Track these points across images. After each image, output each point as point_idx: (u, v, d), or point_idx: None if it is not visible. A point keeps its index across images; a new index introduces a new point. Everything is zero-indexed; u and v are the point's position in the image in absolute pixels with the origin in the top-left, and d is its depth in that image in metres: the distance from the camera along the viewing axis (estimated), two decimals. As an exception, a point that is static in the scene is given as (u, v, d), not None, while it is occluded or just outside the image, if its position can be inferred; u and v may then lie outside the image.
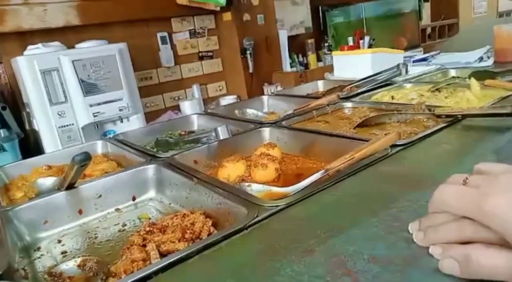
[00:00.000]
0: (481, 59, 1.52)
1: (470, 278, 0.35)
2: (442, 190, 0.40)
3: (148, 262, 0.53)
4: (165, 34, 2.33)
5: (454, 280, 0.36)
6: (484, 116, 0.79)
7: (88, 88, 1.69)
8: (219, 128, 0.85)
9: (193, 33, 2.44)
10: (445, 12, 4.02)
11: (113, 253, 0.59)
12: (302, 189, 0.62)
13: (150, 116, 2.17)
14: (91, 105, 1.70)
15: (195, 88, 2.42)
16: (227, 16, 2.46)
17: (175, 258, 0.45)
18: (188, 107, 2.26)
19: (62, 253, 0.61)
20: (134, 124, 1.94)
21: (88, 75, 1.67)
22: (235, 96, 2.49)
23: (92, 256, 0.57)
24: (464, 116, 0.82)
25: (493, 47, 1.49)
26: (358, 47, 2.04)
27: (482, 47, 1.63)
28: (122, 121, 1.91)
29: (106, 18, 2.07)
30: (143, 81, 2.28)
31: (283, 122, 1.02)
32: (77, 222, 0.71)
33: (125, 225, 0.68)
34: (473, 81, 1.03)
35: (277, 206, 0.55)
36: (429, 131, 0.79)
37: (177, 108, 2.36)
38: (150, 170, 0.80)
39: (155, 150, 1.03)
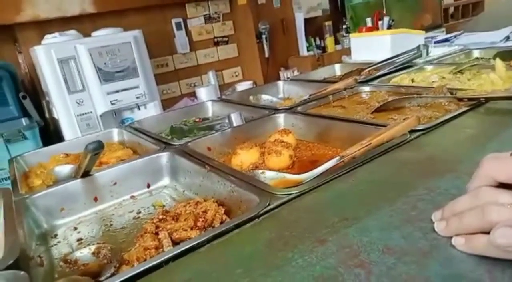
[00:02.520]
0: (507, 38, 1.45)
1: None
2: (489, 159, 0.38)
3: (161, 249, 0.53)
4: (180, 20, 2.31)
5: (472, 271, 0.34)
6: (510, 99, 0.75)
7: (105, 76, 1.70)
8: (232, 115, 0.83)
9: (208, 19, 2.42)
10: (470, -11, 3.84)
11: (128, 240, 0.60)
12: (317, 176, 0.60)
13: (167, 103, 2.18)
14: (108, 93, 1.72)
15: (211, 75, 2.41)
16: (242, 0, 2.42)
17: (185, 247, 0.45)
18: (204, 93, 2.26)
19: (78, 240, 0.62)
20: (151, 111, 1.95)
21: (105, 63, 1.68)
22: (251, 82, 2.47)
23: (107, 244, 0.57)
24: (488, 99, 0.78)
25: (522, 25, 1.41)
26: (377, 29, 1.97)
27: (508, 25, 1.55)
28: (139, 109, 1.93)
29: (121, 5, 2.07)
30: (159, 68, 2.28)
31: (298, 108, 1.00)
32: (92, 209, 0.72)
33: (140, 212, 0.69)
34: (498, 62, 0.98)
35: (289, 194, 0.54)
36: (450, 115, 0.76)
37: (193, 95, 2.36)
38: (164, 157, 0.80)
39: (169, 137, 1.03)
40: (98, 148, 0.63)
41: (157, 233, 0.56)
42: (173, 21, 2.29)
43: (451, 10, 3.62)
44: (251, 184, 0.58)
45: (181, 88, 2.41)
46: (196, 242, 0.46)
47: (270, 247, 0.43)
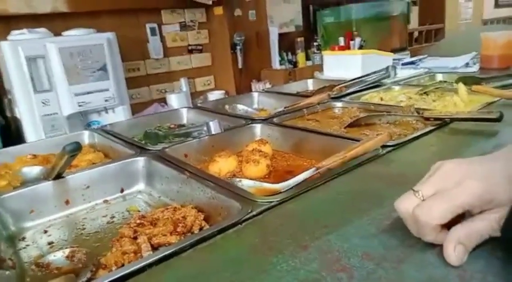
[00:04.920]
0: (467, 64, 1.56)
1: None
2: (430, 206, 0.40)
3: (139, 254, 0.52)
4: (155, 25, 2.30)
5: (444, 276, 0.37)
6: (472, 120, 0.81)
7: (74, 77, 1.65)
8: (211, 123, 0.84)
9: (183, 26, 2.42)
10: (432, 17, 4.10)
11: (102, 245, 0.58)
12: (293, 186, 0.62)
13: (136, 108, 2.14)
14: (76, 95, 1.67)
15: (183, 82, 2.40)
16: (219, 10, 2.44)
17: (169, 251, 0.45)
18: (175, 100, 2.25)
19: (48, 243, 0.60)
20: (119, 115, 1.91)
21: (75, 64, 1.64)
22: (223, 91, 2.48)
23: (81, 248, 0.56)
24: (452, 120, 0.84)
25: (479, 53, 1.52)
26: (349, 48, 2.06)
27: (467, 52, 1.67)
28: (107, 112, 1.88)
29: (94, 7, 2.03)
30: (130, 72, 2.25)
31: (274, 119, 1.02)
32: (64, 213, 0.69)
33: (114, 217, 0.67)
34: (461, 86, 1.05)
35: (270, 202, 0.56)
36: (418, 133, 0.80)
37: (163, 101, 2.34)
38: (140, 162, 0.79)
39: (143, 142, 1.02)
40: (75, 149, 0.61)
41: (135, 238, 0.55)
42: (148, 26, 2.27)
43: (416, 34, 3.83)
44: (233, 191, 0.59)
45: (152, 94, 2.38)
46: (179, 247, 0.46)
47: (254, 252, 0.44)
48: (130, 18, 2.21)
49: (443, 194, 0.40)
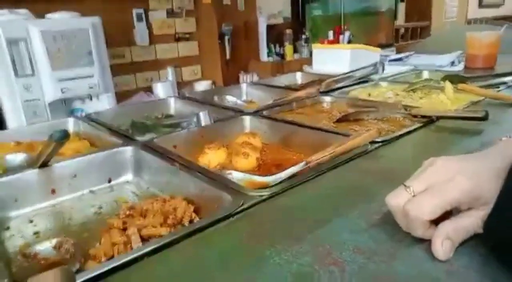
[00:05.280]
0: (452, 63, 1.59)
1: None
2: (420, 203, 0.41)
3: (129, 246, 0.52)
4: (141, 11, 2.25)
5: (433, 270, 0.38)
6: (458, 119, 0.83)
7: (58, 62, 1.61)
8: (201, 114, 0.83)
9: (170, 13, 2.38)
10: (419, 14, 4.14)
11: (90, 235, 0.58)
12: (283, 180, 0.63)
13: (120, 96, 2.10)
14: (59, 80, 1.62)
15: (170, 71, 2.37)
16: (207, -2, 2.41)
17: (161, 243, 0.45)
18: (161, 89, 2.22)
19: (34, 233, 0.59)
20: (103, 103, 1.87)
21: (58, 49, 1.59)
22: (210, 81, 2.46)
23: (68, 238, 0.55)
24: (439, 117, 0.86)
25: (465, 53, 1.55)
26: (338, 42, 2.07)
27: (452, 50, 1.70)
28: (91, 100, 1.85)
29: (79, -11, 1.97)
30: (115, 59, 2.20)
31: (264, 112, 1.02)
32: (49, 202, 0.68)
33: (102, 207, 0.66)
34: (447, 85, 1.08)
35: (262, 195, 0.56)
36: (405, 130, 0.82)
37: (149, 89, 2.30)
38: (128, 151, 0.78)
39: (130, 132, 1.00)
40: (64, 137, 0.60)
41: (124, 229, 0.55)
42: (134, 11, 2.22)
43: (402, 31, 3.88)
44: (224, 184, 0.59)
45: (137, 82, 2.34)
46: (171, 238, 0.46)
47: (247, 245, 0.45)
48: (116, 2, 2.16)
49: (433, 190, 0.41)
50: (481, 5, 5.30)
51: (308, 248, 0.43)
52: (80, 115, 1.11)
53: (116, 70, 2.12)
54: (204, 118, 0.83)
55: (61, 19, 1.66)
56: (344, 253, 0.42)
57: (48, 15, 1.70)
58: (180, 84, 2.46)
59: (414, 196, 0.41)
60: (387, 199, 0.44)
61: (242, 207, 0.52)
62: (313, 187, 0.60)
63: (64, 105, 1.72)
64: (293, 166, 0.65)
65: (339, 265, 0.40)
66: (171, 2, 2.38)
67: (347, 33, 2.19)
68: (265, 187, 0.60)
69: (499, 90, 1.11)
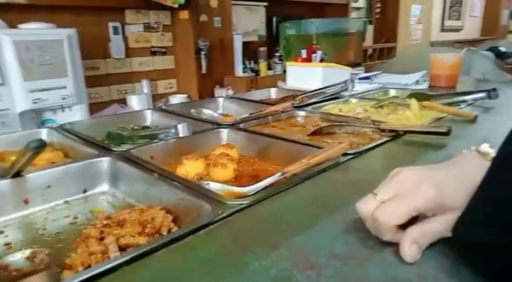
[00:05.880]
0: (417, 82, 1.68)
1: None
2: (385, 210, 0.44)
3: (106, 255, 0.51)
4: (118, 24, 2.25)
5: (404, 273, 0.40)
6: (424, 133, 0.88)
7: (30, 72, 1.58)
8: (179, 126, 0.84)
9: (147, 27, 2.38)
10: (386, 36, 4.35)
11: (65, 246, 0.57)
12: (260, 190, 0.64)
13: (94, 107, 2.06)
14: (31, 91, 1.59)
15: (145, 84, 2.36)
16: (184, 14, 2.43)
17: (141, 251, 0.45)
18: (136, 102, 2.20)
19: (5, 244, 0.57)
20: (76, 114, 1.84)
21: (31, 59, 1.56)
22: (186, 95, 2.46)
23: (43, 248, 0.54)
24: (406, 132, 0.91)
25: (429, 72, 1.65)
26: (310, 60, 2.14)
27: (416, 70, 1.80)
28: (63, 111, 1.81)
29: (55, 1, 1.94)
30: (89, 71, 2.17)
31: (240, 125, 1.04)
32: (22, 213, 0.66)
33: (77, 217, 0.66)
34: (413, 102, 1.14)
35: (240, 204, 0.57)
36: (375, 143, 0.86)
37: (123, 101, 2.28)
38: (104, 162, 0.77)
39: (106, 142, 0.99)
40: (40, 146, 0.59)
41: (101, 239, 0.55)
42: (110, 24, 2.21)
43: (370, 51, 4.05)
44: (203, 193, 0.60)
45: (111, 94, 2.31)
46: (150, 247, 0.46)
47: (226, 252, 0.46)
48: (92, 15, 2.15)
49: (400, 197, 0.44)
50: (443, 29, 5.64)
51: (286, 253, 0.45)
52: (51, 126, 1.09)
53: (91, 82, 2.09)
54: (183, 130, 0.84)
55: (35, 30, 1.63)
56: (320, 258, 0.44)
57: (22, 26, 1.67)
58: (155, 97, 2.45)
59: (382, 203, 0.44)
60: (357, 206, 0.47)
61: (221, 216, 0.53)
62: (289, 196, 0.62)
63: (35, 116, 1.67)
64: (269, 176, 0.67)
65: (315, 270, 0.42)
66: (148, 17, 2.39)
67: (319, 52, 2.27)
68: (242, 196, 0.62)
69: (460, 108, 1.19)
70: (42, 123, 1.72)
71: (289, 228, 0.50)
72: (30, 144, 0.59)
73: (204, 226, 0.51)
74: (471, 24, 6.37)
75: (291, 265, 0.42)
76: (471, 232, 0.39)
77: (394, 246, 0.44)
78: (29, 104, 1.58)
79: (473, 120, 1.04)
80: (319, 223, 0.52)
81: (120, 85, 2.34)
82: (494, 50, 4.35)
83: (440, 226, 0.43)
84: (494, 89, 1.20)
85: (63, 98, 1.73)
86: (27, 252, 0.53)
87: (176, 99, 2.35)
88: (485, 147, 0.50)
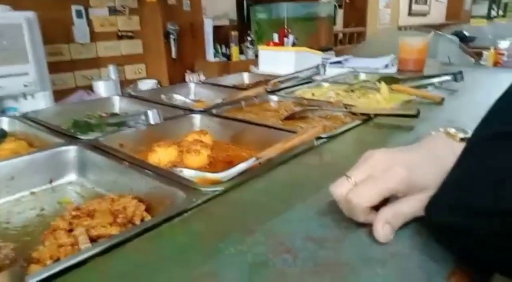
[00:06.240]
0: (386, 66, 1.71)
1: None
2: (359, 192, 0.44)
3: (77, 247, 0.50)
4: (81, 8, 2.14)
5: (379, 253, 0.41)
6: (394, 116, 0.90)
7: (-14, 58, 1.48)
8: (149, 112, 0.82)
9: (113, 11, 2.29)
10: (355, 20, 4.39)
11: (32, 239, 0.54)
12: (235, 176, 0.64)
13: (58, 95, 1.98)
14: (-11, 78, 1.49)
15: (112, 69, 2.27)
16: (151, -4, 2.35)
17: (114, 242, 0.44)
18: (102, 88, 2.13)
19: (-34, 240, 0.54)
20: (39, 102, 1.76)
21: (-13, 44, 1.46)
22: (155, 81, 2.40)
23: (7, 242, 0.51)
24: (377, 115, 0.93)
25: (397, 56, 1.68)
26: (283, 44, 2.13)
27: (385, 54, 1.83)
28: (26, 98, 1.72)
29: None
30: (52, 56, 2.07)
31: (213, 111, 1.02)
32: (-18, 207, 0.63)
33: (44, 209, 0.63)
34: (383, 85, 1.16)
35: (215, 190, 0.57)
36: (347, 127, 0.87)
37: (89, 88, 2.19)
38: (71, 151, 0.74)
39: (72, 131, 0.95)
40: (1, 135, 0.56)
41: (70, 230, 0.52)
42: (73, 7, 2.11)
43: (340, 36, 4.08)
44: (176, 181, 0.59)
45: (76, 80, 2.22)
46: (125, 236, 0.45)
47: (202, 239, 0.45)
48: (52, -3, 2.03)
49: (372, 179, 0.44)
50: (410, 13, 5.75)
51: (262, 238, 0.45)
52: (13, 115, 1.03)
53: (54, 68, 1.99)
54: (153, 116, 0.82)
55: (-11, 12, 1.53)
56: (296, 241, 0.44)
57: (-26, 7, 1.56)
58: (123, 83, 2.38)
59: (355, 185, 0.45)
60: (331, 188, 0.47)
61: (196, 203, 0.53)
62: (263, 181, 0.62)
63: (-6, 105, 1.59)
64: (244, 162, 0.67)
65: (291, 253, 0.42)
66: (114, 0, 2.29)
67: (291, 37, 2.26)
68: (217, 183, 0.61)
69: (428, 91, 1.22)
70: (3, 112, 1.63)
71: (264, 213, 0.50)
72: (-11, 134, 0.55)
73: (178, 214, 0.50)
74: (437, 8, 6.53)
75: (267, 249, 0.42)
76: (439, 212, 0.40)
77: (368, 227, 0.45)
78: (-13, 92, 1.49)
79: (440, 102, 1.07)
80: (294, 206, 0.52)
81: (85, 71, 2.24)
82: (459, 34, 4.49)
83: (412, 206, 0.44)
84: (460, 72, 1.24)
85: (25, 86, 1.64)
86: (-10, 247, 0.50)
87: (145, 85, 2.29)
88: (451, 129, 0.52)
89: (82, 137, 0.80)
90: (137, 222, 0.56)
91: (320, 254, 0.41)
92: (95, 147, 0.75)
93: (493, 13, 7.49)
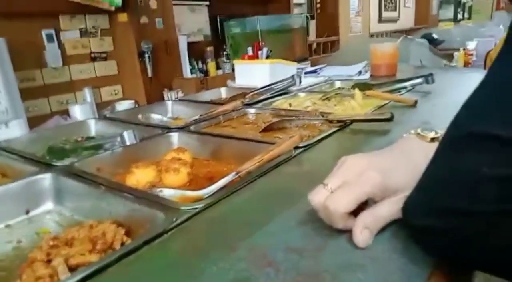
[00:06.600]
0: (360, 72, 1.75)
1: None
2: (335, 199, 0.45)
3: (56, 278, 0.48)
4: (52, 31, 2.11)
5: (359, 259, 0.42)
6: (369, 121, 0.92)
7: (-47, 88, 1.44)
8: (125, 133, 0.81)
9: (85, 33, 2.26)
10: (328, 30, 4.48)
11: (9, 274, 0.53)
12: (216, 191, 0.64)
13: (33, 121, 1.92)
14: (-43, 109, 1.45)
15: (87, 92, 2.23)
16: (123, 17, 2.34)
17: (92, 269, 0.43)
18: (79, 111, 2.08)
19: None
20: (14, 130, 1.70)
21: (-46, 74, 1.42)
22: (132, 101, 2.37)
23: (-18, 279, 0.49)
24: (352, 121, 0.94)
25: (370, 62, 1.72)
26: (257, 57, 2.16)
27: (359, 61, 1.88)
28: (-1, 128, 1.67)
29: (-25, 8, 1.79)
30: (24, 83, 2.02)
31: (191, 127, 1.02)
32: (-46, 243, 0.60)
33: (20, 241, 0.61)
34: (357, 92, 1.18)
35: (195, 208, 0.56)
36: (324, 134, 0.88)
37: (65, 113, 2.15)
38: (46, 179, 0.72)
39: (48, 158, 0.93)
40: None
41: (49, 261, 0.51)
42: (44, 32, 2.08)
43: (314, 46, 4.15)
44: (155, 201, 0.58)
45: (51, 106, 2.17)
46: (104, 263, 0.44)
47: (182, 259, 0.45)
48: (21, 22, 2.00)
49: (348, 185, 0.45)
50: (380, 20, 5.92)
51: (243, 254, 0.44)
52: (-15, 145, 1.00)
53: (27, 94, 1.94)
54: (129, 137, 0.81)
55: (-46, 41, 1.49)
56: (277, 254, 0.44)
57: None
58: (100, 105, 2.34)
59: (332, 192, 0.45)
60: (309, 197, 0.47)
61: (175, 223, 0.52)
62: (244, 194, 0.62)
63: (-35, 136, 1.53)
64: (224, 177, 0.67)
65: (273, 266, 0.42)
66: (85, 22, 2.27)
67: (265, 49, 2.29)
68: (198, 200, 0.61)
69: (401, 94, 1.25)
70: (-26, 143, 1.58)
71: (245, 227, 0.50)
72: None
73: (158, 236, 0.49)
74: (406, 14, 6.74)
75: (248, 265, 0.42)
76: (416, 213, 0.41)
77: (347, 233, 0.45)
78: (-43, 123, 1.44)
79: (413, 105, 1.10)
80: (275, 218, 0.52)
81: (60, 96, 2.20)
82: (427, 37, 4.64)
83: (389, 209, 0.45)
84: (431, 74, 1.28)
85: (-3, 114, 1.59)
86: (-36, 285, 0.48)
87: (123, 105, 2.25)
88: (421, 130, 0.53)
89: (57, 164, 0.78)
90: (117, 246, 0.55)
91: (301, 264, 0.42)
92: (71, 172, 0.73)
93: (459, 16, 7.80)
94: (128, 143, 0.82)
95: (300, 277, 0.39)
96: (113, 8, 2.22)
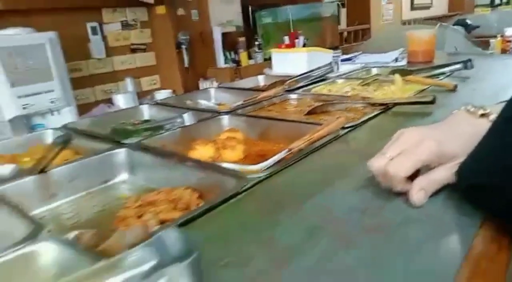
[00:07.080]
0: (396, 59, 1.77)
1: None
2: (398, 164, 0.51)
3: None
4: (96, 24, 2.24)
5: (416, 215, 0.47)
6: (411, 104, 0.96)
7: (16, 78, 1.57)
8: (185, 115, 0.89)
9: (125, 25, 2.38)
10: (359, 18, 4.45)
11: (102, 229, 0.61)
12: (271, 166, 0.70)
13: (80, 109, 2.06)
14: (19, 97, 1.59)
15: (129, 82, 2.37)
16: (161, 9, 2.44)
17: (181, 221, 0.50)
18: (122, 100, 2.21)
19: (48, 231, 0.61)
20: (65, 117, 1.84)
21: (15, 65, 1.56)
22: (170, 90, 2.48)
23: (88, 229, 0.58)
24: (395, 104, 0.99)
25: (406, 49, 1.74)
26: (293, 46, 2.20)
27: (392, 49, 1.89)
28: (52, 114, 1.81)
29: (29, 4, 1.92)
30: (72, 73, 2.16)
31: (238, 111, 1.09)
32: (49, 206, 0.70)
33: (105, 205, 0.70)
34: (397, 77, 1.22)
35: (259, 177, 0.63)
36: (368, 116, 0.93)
37: (109, 101, 2.28)
38: (122, 153, 0.81)
39: (114, 137, 1.03)
40: (67, 141, 0.63)
41: (139, 217, 0.59)
42: (88, 25, 2.20)
43: (345, 34, 4.14)
44: (222, 171, 0.66)
45: (96, 95, 2.31)
46: (190, 216, 0.51)
47: (259, 213, 0.52)
48: (68, 16, 2.13)
49: (407, 153, 0.50)
50: (413, 7, 5.80)
51: (312, 210, 0.51)
52: (56, 127, 1.11)
53: (75, 84, 2.08)
54: (189, 118, 0.89)
55: (15, 35, 1.62)
56: (341, 211, 0.50)
57: (0, 32, 1.66)
58: (140, 95, 2.46)
59: (391, 159, 0.51)
60: (369, 163, 0.53)
61: (246, 186, 0.59)
62: (299, 168, 0.68)
63: (25, 122, 1.67)
64: (276, 154, 0.73)
65: (340, 220, 0.48)
66: (125, 15, 2.38)
67: (301, 38, 2.34)
68: (256, 173, 0.68)
69: (440, 80, 1.27)
70: (32, 129, 1.72)
71: (307, 192, 0.56)
72: (57, 140, 0.63)
73: (232, 197, 0.57)
74: (439, 1, 6.56)
75: (318, 219, 0.49)
76: (476, 174, 0.45)
77: (405, 196, 0.51)
78: (18, 110, 1.58)
79: (453, 89, 1.12)
80: (334, 184, 0.58)
81: (104, 85, 2.34)
82: (461, 22, 4.51)
83: (444, 174, 0.50)
84: (470, 60, 1.29)
85: (52, 102, 1.73)
86: (72, 234, 0.57)
87: (161, 95, 2.37)
88: (471, 107, 0.58)
89: (124, 142, 0.87)
90: (193, 208, 0.63)
91: (365, 219, 0.48)
92: (142, 148, 0.82)
93: (497, 1, 7.48)
94: (187, 123, 0.90)
95: (365, 229, 0.46)
96: (152, 1, 2.32)
